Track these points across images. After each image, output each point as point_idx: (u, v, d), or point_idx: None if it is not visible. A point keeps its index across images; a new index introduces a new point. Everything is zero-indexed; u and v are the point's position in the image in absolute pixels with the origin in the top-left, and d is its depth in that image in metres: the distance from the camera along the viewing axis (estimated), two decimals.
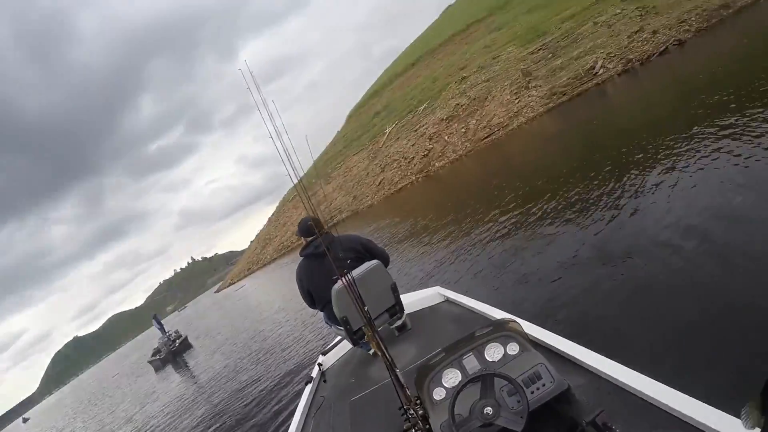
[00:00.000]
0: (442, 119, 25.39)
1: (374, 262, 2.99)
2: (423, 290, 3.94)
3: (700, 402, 1.40)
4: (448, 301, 3.57)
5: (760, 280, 3.20)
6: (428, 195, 19.34)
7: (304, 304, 3.50)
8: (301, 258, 3.31)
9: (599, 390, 1.70)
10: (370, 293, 2.77)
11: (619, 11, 21.37)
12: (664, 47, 17.45)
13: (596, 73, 18.20)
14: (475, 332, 1.92)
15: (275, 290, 21.70)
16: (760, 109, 6.52)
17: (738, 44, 13.20)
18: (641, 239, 4.72)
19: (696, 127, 7.09)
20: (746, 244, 3.74)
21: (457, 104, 24.24)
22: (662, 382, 1.55)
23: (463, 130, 22.05)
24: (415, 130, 27.03)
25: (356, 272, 2.81)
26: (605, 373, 1.73)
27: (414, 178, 24.80)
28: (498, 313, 2.78)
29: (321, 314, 3.50)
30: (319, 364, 3.65)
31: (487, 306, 2.98)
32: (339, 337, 3.83)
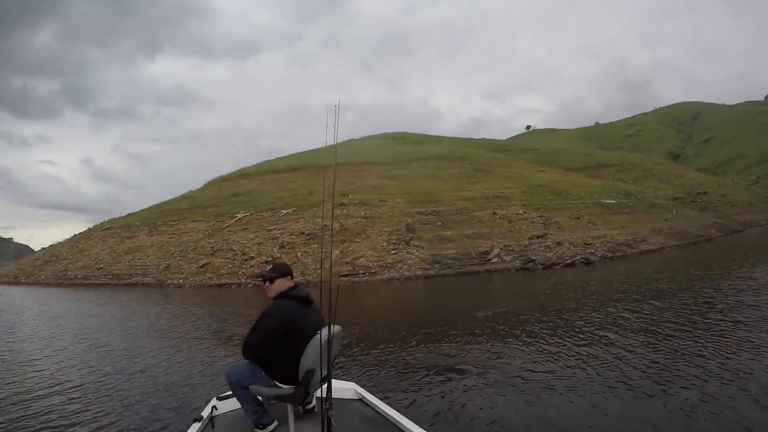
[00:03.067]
0: (303, 233, 21.80)
1: (339, 327, 2.86)
2: (338, 380, 3.72)
3: None
4: (362, 400, 3.54)
5: None
6: (251, 303, 14.50)
7: None
8: (283, 298, 3.06)
9: None
10: (330, 357, 2.67)
11: (521, 212, 21.53)
12: (570, 260, 16.82)
13: (490, 259, 16.70)
14: None
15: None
16: None
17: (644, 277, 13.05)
18: None
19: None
20: None
21: (325, 226, 21.00)
22: None
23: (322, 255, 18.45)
24: (268, 230, 22.64)
25: (333, 331, 2.66)
26: None
27: (244, 281, 19.75)
28: (413, 427, 2.78)
29: None
30: (213, 407, 3.40)
31: (403, 417, 2.97)
32: None
